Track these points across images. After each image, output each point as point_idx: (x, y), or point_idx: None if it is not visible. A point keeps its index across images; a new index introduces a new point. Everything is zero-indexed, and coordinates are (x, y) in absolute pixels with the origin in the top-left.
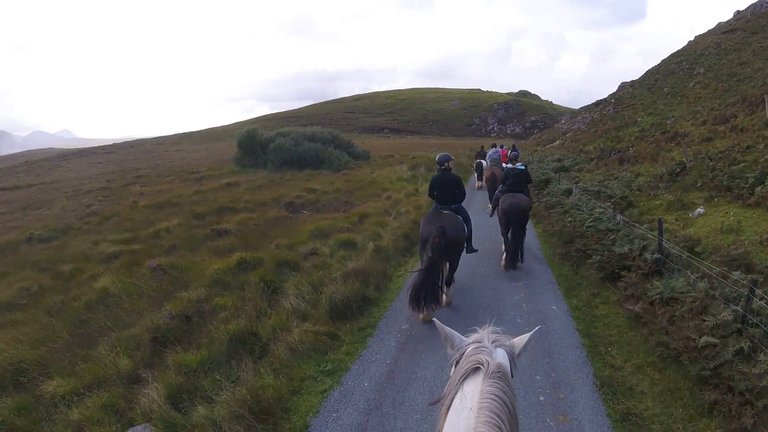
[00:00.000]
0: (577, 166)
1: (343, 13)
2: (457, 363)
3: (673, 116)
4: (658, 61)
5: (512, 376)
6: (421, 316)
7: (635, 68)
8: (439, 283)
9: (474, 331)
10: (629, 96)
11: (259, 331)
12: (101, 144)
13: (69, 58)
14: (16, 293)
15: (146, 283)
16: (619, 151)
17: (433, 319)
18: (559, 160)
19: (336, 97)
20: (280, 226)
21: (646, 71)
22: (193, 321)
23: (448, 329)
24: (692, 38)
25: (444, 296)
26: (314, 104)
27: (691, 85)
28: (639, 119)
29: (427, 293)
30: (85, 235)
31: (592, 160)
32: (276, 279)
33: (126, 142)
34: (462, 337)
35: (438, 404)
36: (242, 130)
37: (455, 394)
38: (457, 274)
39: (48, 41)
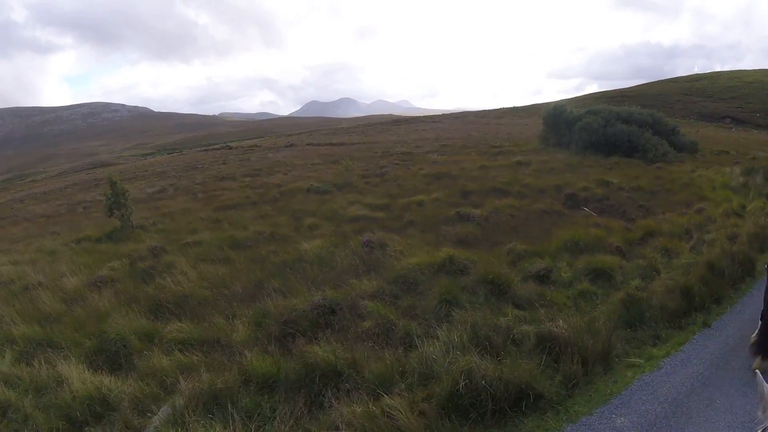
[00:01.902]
0: None
1: None
2: None
3: None
4: None
5: None
6: (755, 363)
7: None
8: None
9: None
10: None
11: None
12: (433, 114)
13: (409, 39)
14: (251, 235)
15: (344, 257)
16: None
17: (756, 371)
18: None
19: (672, 75)
20: (538, 224)
21: None
22: (337, 315)
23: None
24: None
25: None
26: (645, 83)
27: None
28: None
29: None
30: (352, 194)
31: None
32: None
33: (453, 113)
34: None
35: None
36: (550, 106)
37: None
38: None
39: (391, 25)
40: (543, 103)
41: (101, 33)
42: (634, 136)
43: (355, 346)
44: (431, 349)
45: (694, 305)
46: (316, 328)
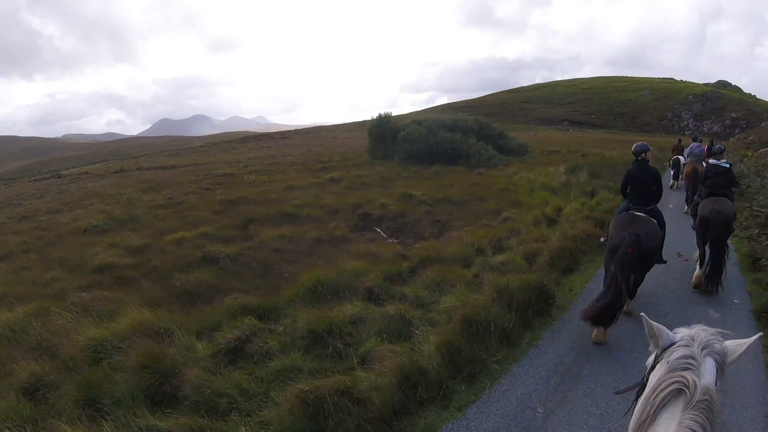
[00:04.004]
0: None
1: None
2: (656, 361)
3: None
4: None
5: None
6: (594, 334)
7: None
8: (622, 302)
9: (684, 327)
10: None
11: None
12: (287, 129)
13: (267, 54)
14: None
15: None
16: None
17: (641, 314)
18: None
19: (515, 86)
20: (305, 258)
21: None
22: None
23: (655, 325)
24: None
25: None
26: (489, 94)
27: None
28: None
29: (608, 315)
30: (126, 232)
31: None
32: None
33: (306, 128)
34: (670, 334)
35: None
36: (375, 117)
37: (651, 422)
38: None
39: (247, 40)
40: (394, 116)
41: None
42: (457, 144)
43: None
44: None
45: (425, 396)
46: None
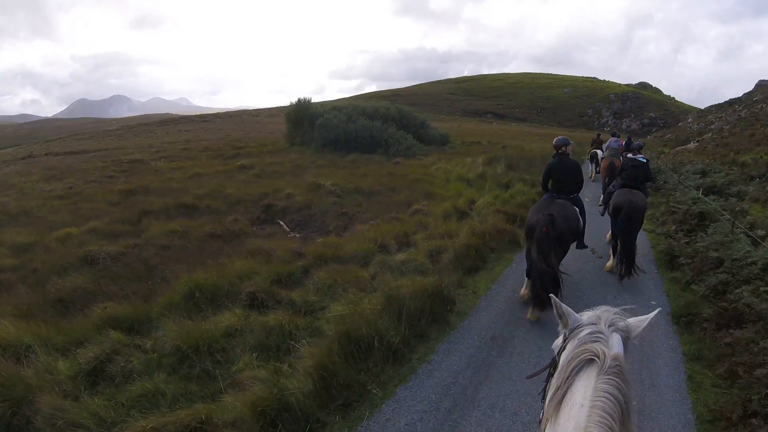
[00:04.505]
0: (734, 188)
1: None
2: (564, 342)
3: None
4: None
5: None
6: (529, 313)
7: (763, 70)
8: (556, 277)
9: (588, 309)
10: None
11: None
12: (210, 112)
13: (191, 32)
14: None
15: None
16: None
17: (550, 295)
18: (703, 173)
19: (444, 78)
20: (196, 255)
21: None
22: None
23: (564, 306)
24: None
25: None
26: (417, 84)
27: None
28: None
29: (546, 286)
30: (15, 228)
31: (753, 179)
32: None
33: (230, 112)
34: (577, 316)
35: (533, 378)
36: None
37: (567, 388)
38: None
39: (172, 16)
40: (319, 102)
41: None
42: (377, 132)
43: None
44: None
45: None
46: None
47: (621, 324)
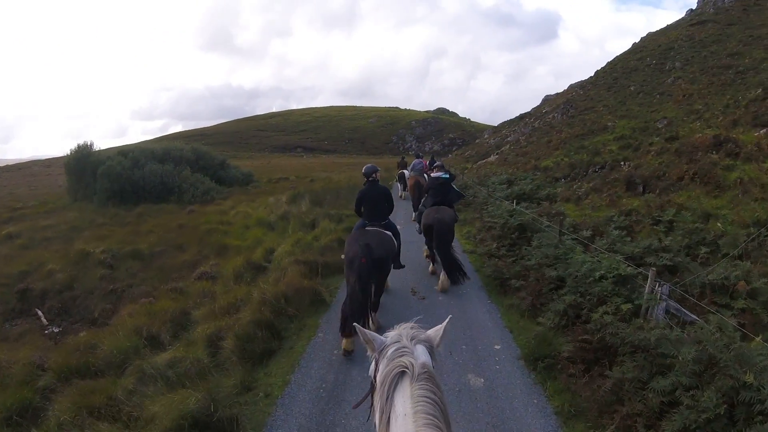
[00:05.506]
0: (542, 191)
1: (261, 29)
2: (377, 364)
3: (665, 118)
4: (587, 75)
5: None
6: (343, 343)
7: (547, 87)
8: (368, 306)
9: (391, 329)
10: (583, 98)
11: None
12: (3, 165)
13: None
14: None
15: None
16: (602, 167)
17: (354, 324)
18: (509, 182)
19: (251, 114)
20: None
21: (596, 71)
22: None
23: (368, 332)
24: (644, 35)
25: (371, 323)
26: (223, 122)
27: (668, 81)
28: (610, 123)
29: (357, 318)
30: None
31: (558, 180)
32: None
33: (19, 164)
34: (381, 338)
35: (359, 408)
36: (72, 149)
37: (390, 405)
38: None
39: None
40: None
41: None
42: (168, 177)
43: None
44: None
45: None
46: None
47: (422, 336)
